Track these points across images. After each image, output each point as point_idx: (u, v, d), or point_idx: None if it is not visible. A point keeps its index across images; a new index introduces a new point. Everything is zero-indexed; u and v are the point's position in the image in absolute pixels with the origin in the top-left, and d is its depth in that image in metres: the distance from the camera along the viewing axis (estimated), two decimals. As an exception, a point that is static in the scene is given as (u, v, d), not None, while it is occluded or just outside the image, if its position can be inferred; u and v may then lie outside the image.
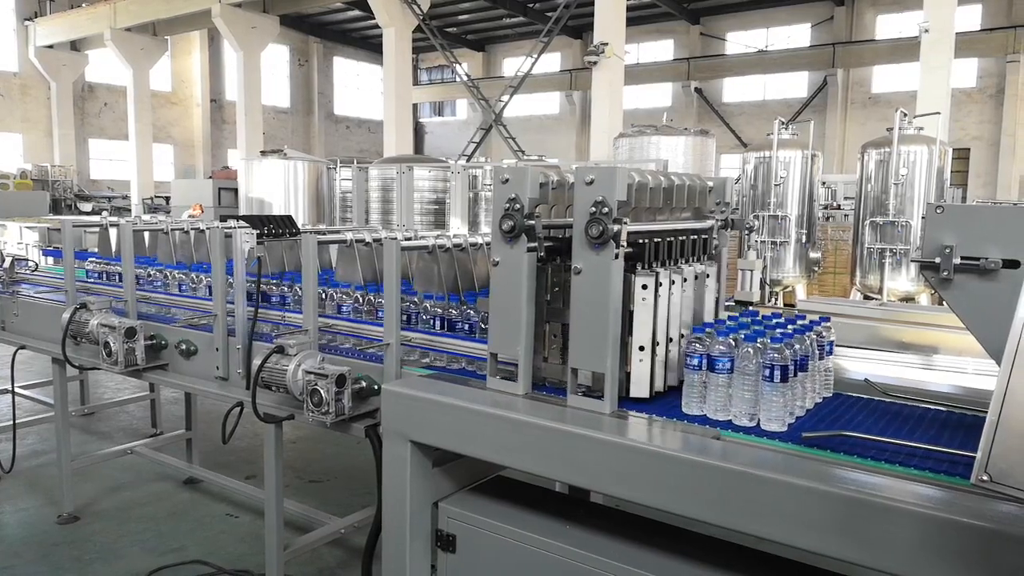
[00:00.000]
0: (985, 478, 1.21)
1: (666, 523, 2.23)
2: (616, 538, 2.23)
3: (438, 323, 2.76)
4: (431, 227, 10.35)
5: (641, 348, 2.30)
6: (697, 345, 2.16)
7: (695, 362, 2.15)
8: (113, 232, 4.32)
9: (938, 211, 1.66)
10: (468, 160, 17.49)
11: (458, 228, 10.01)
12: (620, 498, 2.01)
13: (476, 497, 2.50)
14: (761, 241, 9.81)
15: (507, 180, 2.33)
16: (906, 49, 18.04)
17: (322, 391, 2.58)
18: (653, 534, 2.25)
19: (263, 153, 12.97)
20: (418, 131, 32.66)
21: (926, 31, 11.86)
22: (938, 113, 10.06)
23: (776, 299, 10.22)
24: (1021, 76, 21.32)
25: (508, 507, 2.42)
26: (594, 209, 2.15)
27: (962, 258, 1.61)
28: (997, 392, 1.23)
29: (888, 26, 23.44)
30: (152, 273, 3.95)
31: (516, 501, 2.46)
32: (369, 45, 30.35)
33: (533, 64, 19.00)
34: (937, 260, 1.64)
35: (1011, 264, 1.55)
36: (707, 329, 2.23)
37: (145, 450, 4.87)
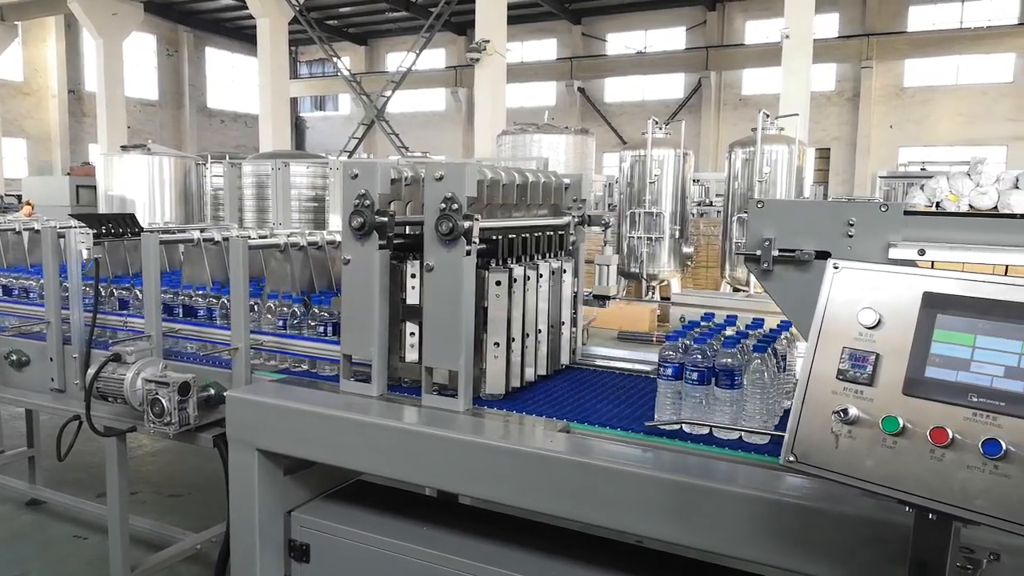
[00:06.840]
0: (792, 458, 1.27)
1: (534, 521, 2.20)
2: (478, 538, 2.20)
3: (290, 325, 2.65)
4: (310, 225, 10.04)
5: (496, 344, 2.30)
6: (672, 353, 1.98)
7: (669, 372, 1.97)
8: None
9: (759, 206, 1.74)
10: (349, 156, 17.09)
11: (338, 226, 9.76)
12: (471, 496, 1.99)
13: (333, 504, 2.43)
14: (637, 237, 10.13)
15: (356, 175, 2.27)
16: (773, 53, 18.97)
17: (164, 400, 2.43)
18: (519, 532, 2.24)
19: (124, 148, 12.18)
20: (299, 126, 31.62)
21: (787, 36, 12.58)
22: (796, 115, 10.71)
23: (653, 293, 10.60)
24: (874, 81, 23.07)
25: (366, 512, 2.36)
26: (444, 205, 2.12)
27: (780, 250, 1.70)
28: (802, 376, 1.29)
29: (757, 31, 24.72)
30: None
31: (376, 506, 2.40)
32: (244, 36, 29.02)
33: (415, 60, 18.82)
34: (758, 252, 1.71)
35: (823, 255, 1.65)
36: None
37: (-18, 471, 4.45)
